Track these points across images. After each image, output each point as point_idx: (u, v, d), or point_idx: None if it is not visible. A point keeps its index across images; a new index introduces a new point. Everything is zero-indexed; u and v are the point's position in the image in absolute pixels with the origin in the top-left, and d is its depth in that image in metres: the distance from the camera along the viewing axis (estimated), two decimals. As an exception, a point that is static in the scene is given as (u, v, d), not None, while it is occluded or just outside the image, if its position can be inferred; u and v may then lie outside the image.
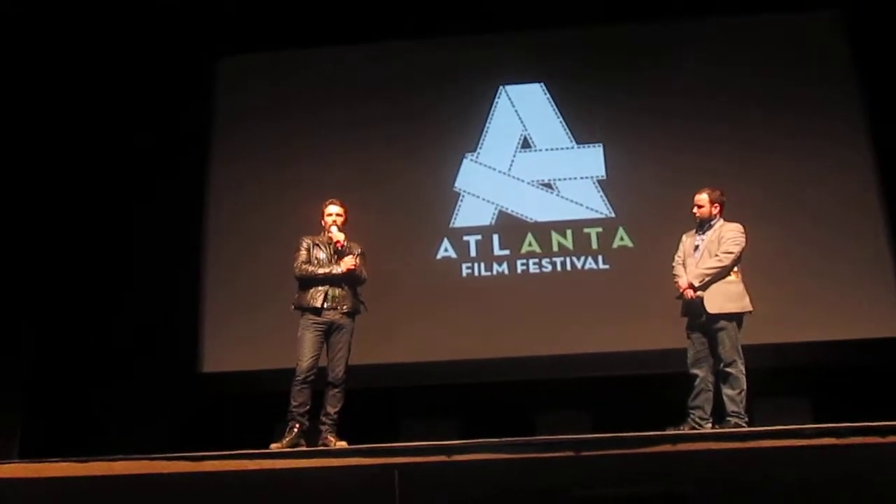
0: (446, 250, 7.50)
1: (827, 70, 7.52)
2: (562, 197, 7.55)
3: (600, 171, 7.55)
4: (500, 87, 7.85)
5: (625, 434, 4.08)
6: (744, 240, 5.22)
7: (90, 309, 7.25)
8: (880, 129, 7.28)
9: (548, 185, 7.60)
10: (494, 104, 7.81)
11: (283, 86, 8.02)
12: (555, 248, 7.43)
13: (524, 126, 7.77)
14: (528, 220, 7.53)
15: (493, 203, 7.59)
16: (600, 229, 7.44)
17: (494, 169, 7.68)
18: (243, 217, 7.66)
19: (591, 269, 7.36)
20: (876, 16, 7.44)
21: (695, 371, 5.20)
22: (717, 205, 5.32)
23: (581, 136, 7.66)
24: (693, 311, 5.22)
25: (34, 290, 6.99)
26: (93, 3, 7.37)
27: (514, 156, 7.70)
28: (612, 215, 7.44)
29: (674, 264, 5.43)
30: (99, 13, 7.46)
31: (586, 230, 7.45)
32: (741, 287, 5.17)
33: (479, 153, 7.72)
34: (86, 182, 7.51)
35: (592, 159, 7.59)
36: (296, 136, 7.84)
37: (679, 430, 5.01)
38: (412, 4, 7.70)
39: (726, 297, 5.12)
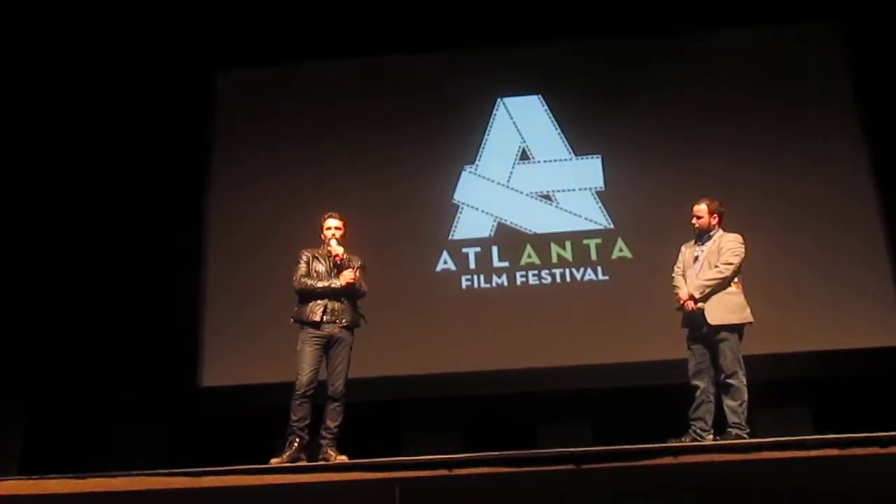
0: (445, 263, 7.50)
1: (826, 84, 7.55)
2: (561, 208, 7.56)
3: (599, 183, 7.56)
4: (498, 100, 7.86)
5: (626, 447, 4.07)
6: (743, 250, 5.21)
7: (90, 324, 7.24)
8: (879, 143, 7.31)
9: (547, 197, 7.61)
10: (493, 116, 7.83)
11: (281, 100, 8.04)
12: (554, 260, 7.43)
13: (523, 138, 7.78)
14: (528, 231, 7.53)
15: (492, 215, 7.59)
16: (599, 240, 7.44)
17: (493, 181, 7.69)
18: (243, 231, 7.67)
19: (590, 281, 7.36)
20: (875, 29, 7.45)
21: (696, 382, 5.18)
22: (715, 215, 5.31)
23: (579, 147, 7.67)
24: (694, 322, 5.21)
25: (35, 307, 6.97)
26: (93, 19, 7.41)
27: (513, 168, 7.70)
28: (611, 226, 7.45)
29: (673, 275, 5.41)
30: (98, 28, 7.50)
31: (585, 241, 7.45)
32: (742, 298, 5.16)
33: (477, 165, 7.73)
34: (88, 201, 7.50)
35: (591, 171, 7.60)
36: (295, 149, 7.85)
37: (680, 441, 5.00)
38: (410, 18, 7.73)
39: (727, 309, 5.11)
